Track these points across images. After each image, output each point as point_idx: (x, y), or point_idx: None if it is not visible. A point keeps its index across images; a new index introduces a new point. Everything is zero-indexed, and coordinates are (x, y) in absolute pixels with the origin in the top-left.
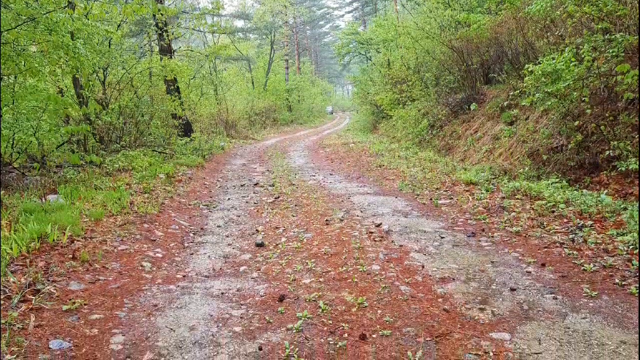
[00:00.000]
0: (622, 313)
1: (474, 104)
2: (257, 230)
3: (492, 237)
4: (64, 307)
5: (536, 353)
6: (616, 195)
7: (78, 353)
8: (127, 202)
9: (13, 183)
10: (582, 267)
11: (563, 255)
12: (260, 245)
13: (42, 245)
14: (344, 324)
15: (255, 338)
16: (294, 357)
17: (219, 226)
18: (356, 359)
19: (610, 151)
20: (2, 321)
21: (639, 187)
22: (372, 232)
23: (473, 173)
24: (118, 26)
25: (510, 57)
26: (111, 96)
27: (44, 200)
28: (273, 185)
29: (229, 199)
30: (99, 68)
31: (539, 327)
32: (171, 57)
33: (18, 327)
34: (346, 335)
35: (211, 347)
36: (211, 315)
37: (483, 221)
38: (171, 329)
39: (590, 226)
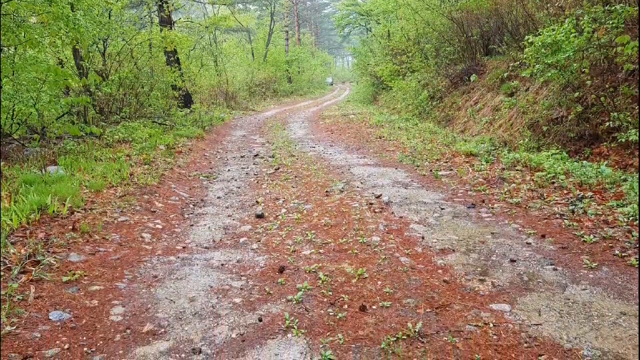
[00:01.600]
0: (622, 284)
1: (474, 75)
2: (257, 201)
3: (492, 208)
4: (64, 279)
5: (536, 324)
6: (616, 166)
7: (78, 324)
8: (127, 174)
9: (13, 154)
10: (582, 239)
11: (563, 226)
12: (260, 216)
13: (42, 216)
14: (344, 295)
15: (255, 309)
16: (294, 328)
17: (219, 197)
18: (356, 330)
19: (610, 122)
20: (2, 292)
21: (639, 159)
22: (372, 204)
23: (473, 144)
24: None
25: (510, 28)
26: (111, 67)
27: (44, 171)
28: (273, 157)
29: (229, 170)
30: (99, 39)
31: (539, 298)
32: (171, 29)
33: (18, 299)
34: (346, 306)
35: (211, 319)
36: (211, 287)
37: (483, 192)
38: (171, 300)
39: (590, 197)
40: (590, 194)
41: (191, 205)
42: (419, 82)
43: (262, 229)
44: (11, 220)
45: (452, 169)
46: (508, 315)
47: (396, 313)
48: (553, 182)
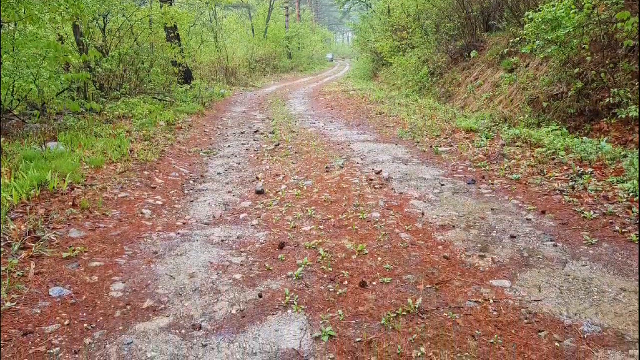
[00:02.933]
0: (622, 260)
1: (474, 51)
2: (257, 177)
3: (492, 184)
4: (64, 255)
5: (536, 300)
6: (616, 142)
7: (78, 300)
8: (127, 150)
9: (13, 130)
10: (582, 215)
11: (563, 202)
12: (260, 192)
13: (42, 192)
14: (344, 271)
15: (255, 285)
16: (294, 304)
17: (219, 173)
18: (356, 306)
19: (610, 98)
20: (2, 268)
21: (639, 134)
22: (372, 180)
23: (473, 120)
24: None
25: (510, 4)
26: (111, 43)
27: (43, 147)
28: (273, 133)
29: (229, 146)
30: (99, 15)
31: (539, 274)
32: (171, 4)
33: (18, 274)
34: (346, 282)
35: (211, 295)
36: (211, 263)
37: (483, 168)
38: (171, 276)
39: (590, 173)
40: (590, 170)
41: (191, 181)
42: (419, 58)
43: (262, 205)
44: (11, 196)
45: (452, 145)
46: (508, 291)
47: (396, 289)
48: (553, 158)
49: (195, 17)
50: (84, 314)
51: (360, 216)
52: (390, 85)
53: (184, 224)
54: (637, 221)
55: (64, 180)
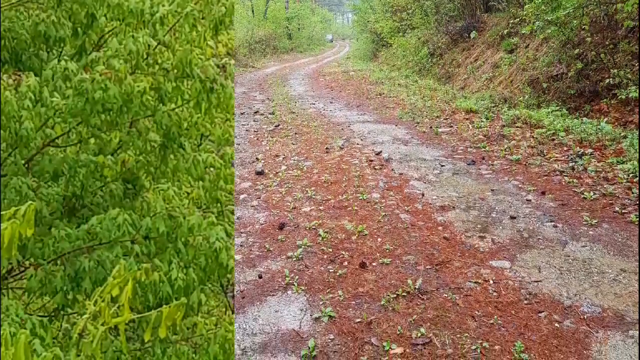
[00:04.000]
0: (622, 241)
1: (474, 32)
2: (257, 158)
3: (492, 165)
4: None
5: (536, 281)
6: (616, 123)
7: None
8: None
9: None
10: (582, 195)
11: (563, 183)
12: (260, 173)
13: None
14: (343, 252)
15: (255, 266)
16: (293, 285)
17: None
18: (356, 287)
19: (610, 79)
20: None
21: (639, 115)
22: (372, 160)
23: (473, 101)
24: None
25: None
26: None
27: None
28: (273, 114)
29: None
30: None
31: (539, 255)
32: None
33: None
34: (346, 263)
35: None
36: None
37: (483, 149)
38: None
39: (590, 154)
40: (590, 150)
41: None
42: (418, 39)
43: (262, 185)
44: None
45: (452, 126)
46: (508, 272)
47: (396, 270)
48: (553, 139)
49: None
50: None
51: (360, 197)
52: (390, 66)
53: None
54: (637, 202)
55: None
